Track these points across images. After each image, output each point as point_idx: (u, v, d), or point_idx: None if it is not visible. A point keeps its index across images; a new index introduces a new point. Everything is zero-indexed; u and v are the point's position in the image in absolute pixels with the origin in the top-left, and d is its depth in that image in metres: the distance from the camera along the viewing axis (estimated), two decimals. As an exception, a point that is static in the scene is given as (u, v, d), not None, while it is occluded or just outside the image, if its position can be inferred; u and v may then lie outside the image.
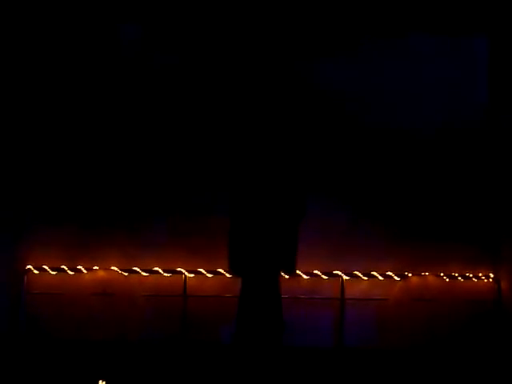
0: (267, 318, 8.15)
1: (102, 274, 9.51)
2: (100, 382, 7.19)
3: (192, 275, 9.62)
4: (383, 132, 10.04)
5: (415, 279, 9.76)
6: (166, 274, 9.61)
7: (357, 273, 9.80)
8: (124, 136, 9.83)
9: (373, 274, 9.80)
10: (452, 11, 9.97)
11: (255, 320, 8.14)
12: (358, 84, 10.04)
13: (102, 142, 9.79)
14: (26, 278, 9.45)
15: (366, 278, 9.80)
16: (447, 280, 9.79)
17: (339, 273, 9.76)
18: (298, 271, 9.38)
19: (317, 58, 10.02)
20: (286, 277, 9.31)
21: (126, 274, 9.53)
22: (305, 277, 9.66)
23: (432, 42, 10.06)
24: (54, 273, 9.49)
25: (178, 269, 9.62)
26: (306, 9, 9.93)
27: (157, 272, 9.60)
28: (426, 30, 10.02)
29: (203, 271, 9.62)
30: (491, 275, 9.88)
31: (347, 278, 9.76)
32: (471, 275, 9.86)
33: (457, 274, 9.84)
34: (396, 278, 9.80)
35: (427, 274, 9.80)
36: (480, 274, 9.87)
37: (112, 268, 9.52)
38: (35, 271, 9.47)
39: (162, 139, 9.85)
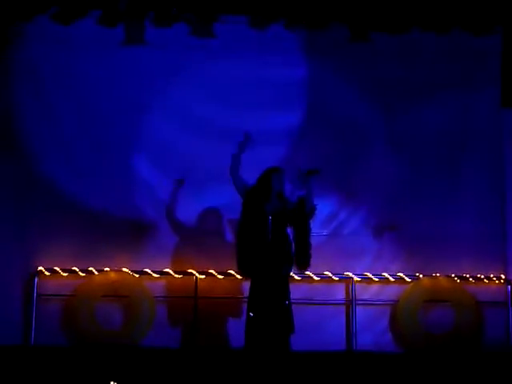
0: (276, 320, 8.15)
1: (113, 275, 9.51)
2: (111, 383, 7.20)
3: (203, 276, 9.62)
4: (391, 134, 10.02)
5: (426, 280, 9.73)
6: (177, 276, 9.62)
7: (368, 274, 9.78)
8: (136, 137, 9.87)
9: (384, 276, 9.79)
10: (462, 8, 9.93)
11: (264, 322, 8.14)
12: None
13: (113, 141, 9.80)
14: (37, 279, 9.46)
15: (376, 280, 9.78)
16: (458, 281, 9.76)
17: (350, 274, 9.74)
18: (308, 273, 9.37)
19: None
20: (297, 278, 9.37)
21: (137, 275, 9.53)
22: (315, 278, 9.65)
23: (441, 39, 10.03)
24: (65, 274, 9.50)
25: (189, 270, 9.63)
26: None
27: (168, 273, 9.61)
28: (434, 27, 9.98)
29: (214, 273, 9.62)
30: (502, 276, 9.85)
31: (358, 279, 9.74)
32: (482, 276, 9.83)
33: (468, 275, 9.81)
34: (407, 279, 9.77)
35: (438, 275, 9.77)
36: (491, 275, 9.85)
37: (123, 269, 9.52)
38: (46, 273, 9.48)
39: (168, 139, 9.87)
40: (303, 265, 8.39)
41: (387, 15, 9.89)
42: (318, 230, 9.63)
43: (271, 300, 8.16)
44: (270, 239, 8.23)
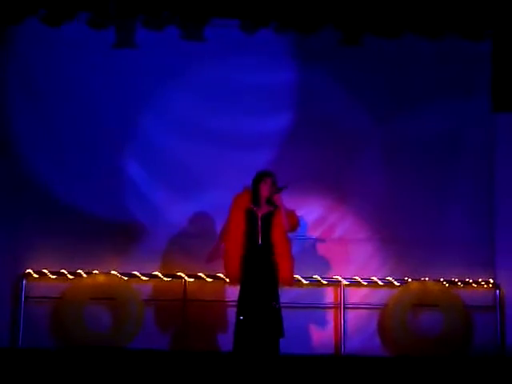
0: (265, 324, 8.14)
1: (101, 278, 9.48)
2: (100, 386, 7.18)
3: (192, 279, 9.60)
4: (381, 139, 10.02)
5: (415, 284, 9.74)
6: (165, 279, 9.60)
7: (356, 278, 9.78)
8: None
9: (372, 280, 9.79)
10: (454, 13, 9.92)
11: (253, 326, 8.13)
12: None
13: (103, 143, 9.78)
14: (25, 281, 9.42)
15: (365, 283, 9.78)
16: (447, 285, 9.77)
17: (339, 278, 9.74)
18: (297, 276, 9.36)
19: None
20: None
21: (126, 278, 9.51)
22: (304, 282, 9.64)
23: (432, 44, 10.03)
24: (53, 277, 9.47)
25: (178, 273, 9.61)
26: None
27: (157, 276, 9.59)
28: (426, 32, 9.97)
29: (203, 276, 9.61)
30: (491, 281, 9.87)
31: (347, 283, 9.74)
32: (471, 280, 9.84)
33: (457, 280, 9.82)
34: (396, 283, 9.78)
35: (427, 279, 9.77)
36: (480, 280, 9.86)
37: (112, 272, 9.50)
38: (35, 275, 9.45)
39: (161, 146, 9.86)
40: (287, 281, 8.35)
41: (379, 19, 9.87)
42: (306, 233, 9.65)
43: (260, 303, 8.15)
44: (260, 243, 8.23)
